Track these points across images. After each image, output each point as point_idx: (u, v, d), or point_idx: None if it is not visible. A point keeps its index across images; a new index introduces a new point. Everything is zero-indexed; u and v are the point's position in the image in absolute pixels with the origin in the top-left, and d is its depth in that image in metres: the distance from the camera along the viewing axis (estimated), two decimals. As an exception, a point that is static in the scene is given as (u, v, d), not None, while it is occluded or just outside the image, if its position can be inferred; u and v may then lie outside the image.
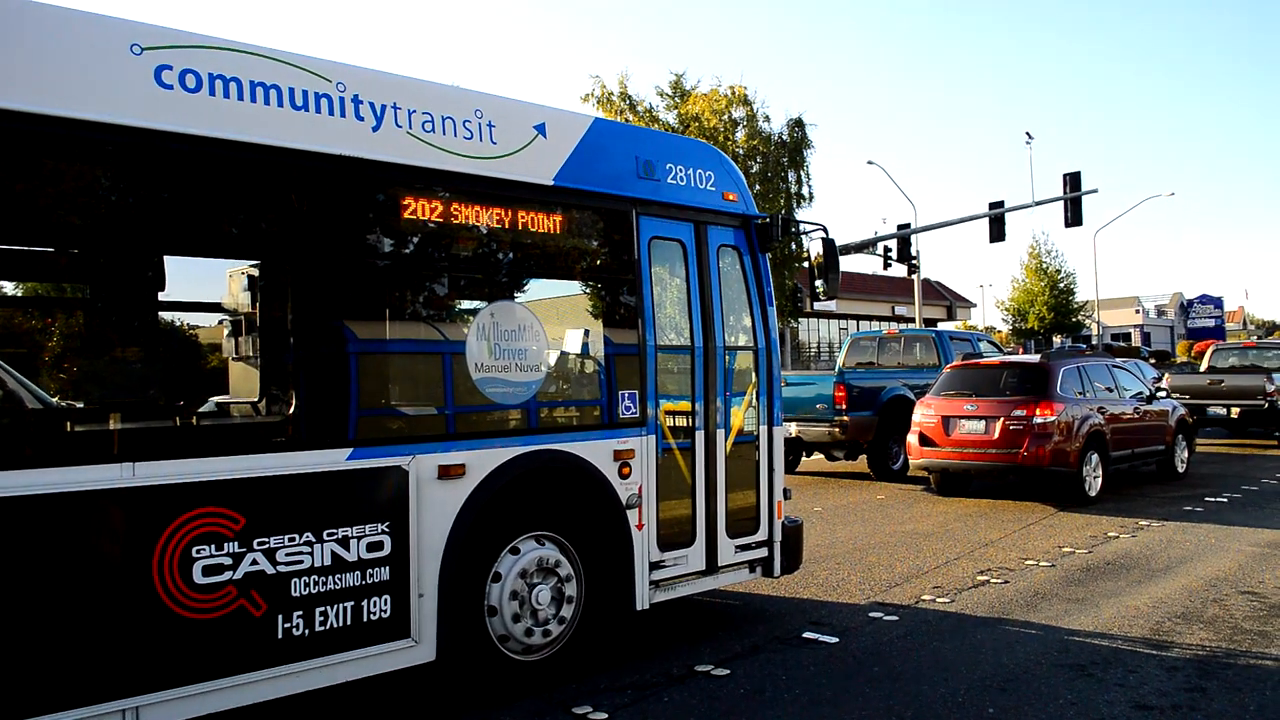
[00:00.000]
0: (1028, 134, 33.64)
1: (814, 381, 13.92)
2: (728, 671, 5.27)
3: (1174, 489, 12.30)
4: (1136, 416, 12.54)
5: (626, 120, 29.58)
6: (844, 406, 13.26)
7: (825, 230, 6.57)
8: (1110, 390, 12.35)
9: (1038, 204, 29.37)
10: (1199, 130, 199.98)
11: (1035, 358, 12.32)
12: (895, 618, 6.37)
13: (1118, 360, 13.95)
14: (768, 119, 32.26)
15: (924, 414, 11.89)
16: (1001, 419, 11.12)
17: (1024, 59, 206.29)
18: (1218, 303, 67.44)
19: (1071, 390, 11.53)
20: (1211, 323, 64.70)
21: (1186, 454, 13.71)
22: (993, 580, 7.39)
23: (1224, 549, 8.46)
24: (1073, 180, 28.05)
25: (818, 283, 6.59)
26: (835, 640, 5.84)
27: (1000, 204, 30.05)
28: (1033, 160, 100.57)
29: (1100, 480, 11.47)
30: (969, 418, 11.42)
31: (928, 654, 5.60)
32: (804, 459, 15.36)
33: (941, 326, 45.82)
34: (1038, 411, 10.94)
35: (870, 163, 36.21)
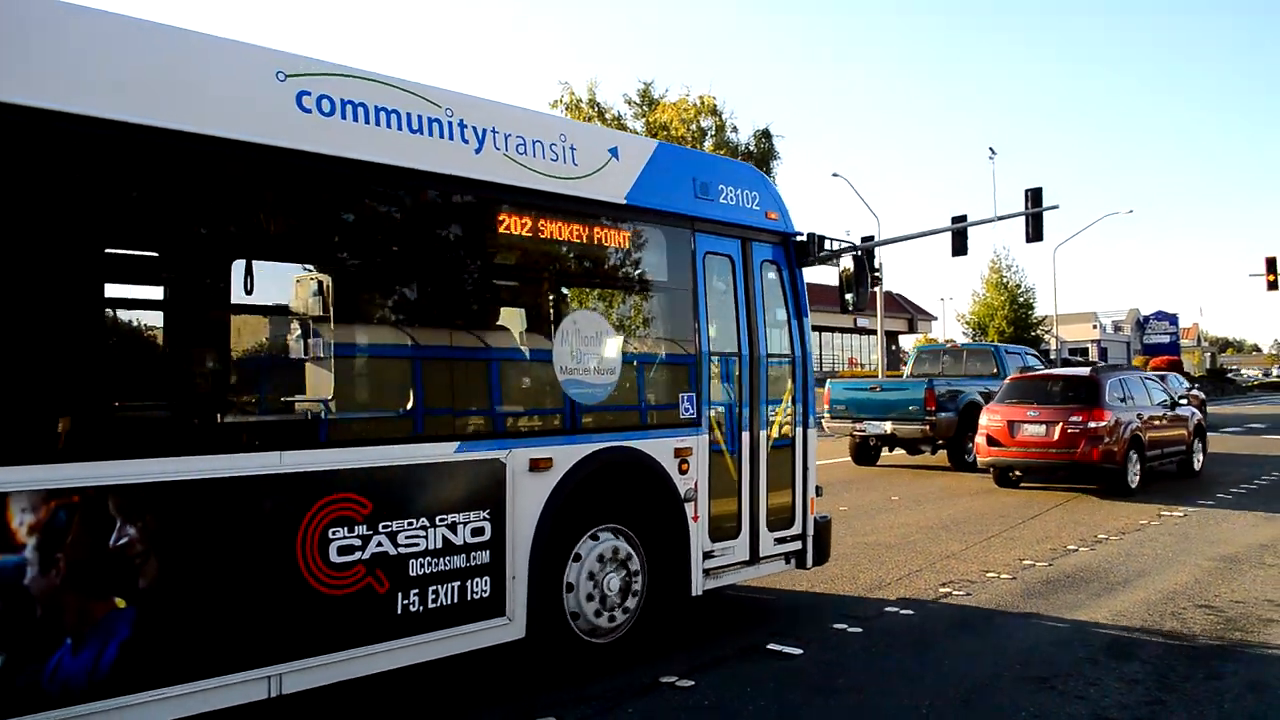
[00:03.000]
0: (991, 149, 34.21)
1: (907, 387, 16.50)
2: (692, 683, 5.26)
3: (1195, 484, 14.27)
4: (1165, 422, 14.52)
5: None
6: (933, 408, 15.81)
7: (855, 248, 7.11)
8: (1144, 399, 14.32)
9: (999, 219, 29.08)
10: (1158, 151, 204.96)
11: (1085, 371, 14.32)
12: (859, 630, 6.35)
13: (1147, 374, 16.18)
14: (735, 129, 32.83)
15: (991, 419, 13.70)
16: (1060, 423, 12.99)
17: (989, 76, 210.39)
18: (1173, 319, 69.36)
19: (1116, 399, 13.48)
20: (1167, 339, 66.49)
21: (1202, 455, 15.77)
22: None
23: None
24: (1034, 196, 28.05)
25: (848, 295, 7.14)
26: (800, 651, 5.83)
27: (963, 218, 30.22)
28: (995, 176, 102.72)
29: (1139, 475, 13.41)
30: (1031, 422, 13.29)
31: (892, 664, 5.65)
32: (885, 453, 17.93)
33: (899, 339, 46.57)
34: (1091, 417, 12.85)
35: (835, 175, 37.01)
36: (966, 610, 6.88)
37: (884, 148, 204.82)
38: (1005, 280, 52.19)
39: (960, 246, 31.15)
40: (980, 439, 13.84)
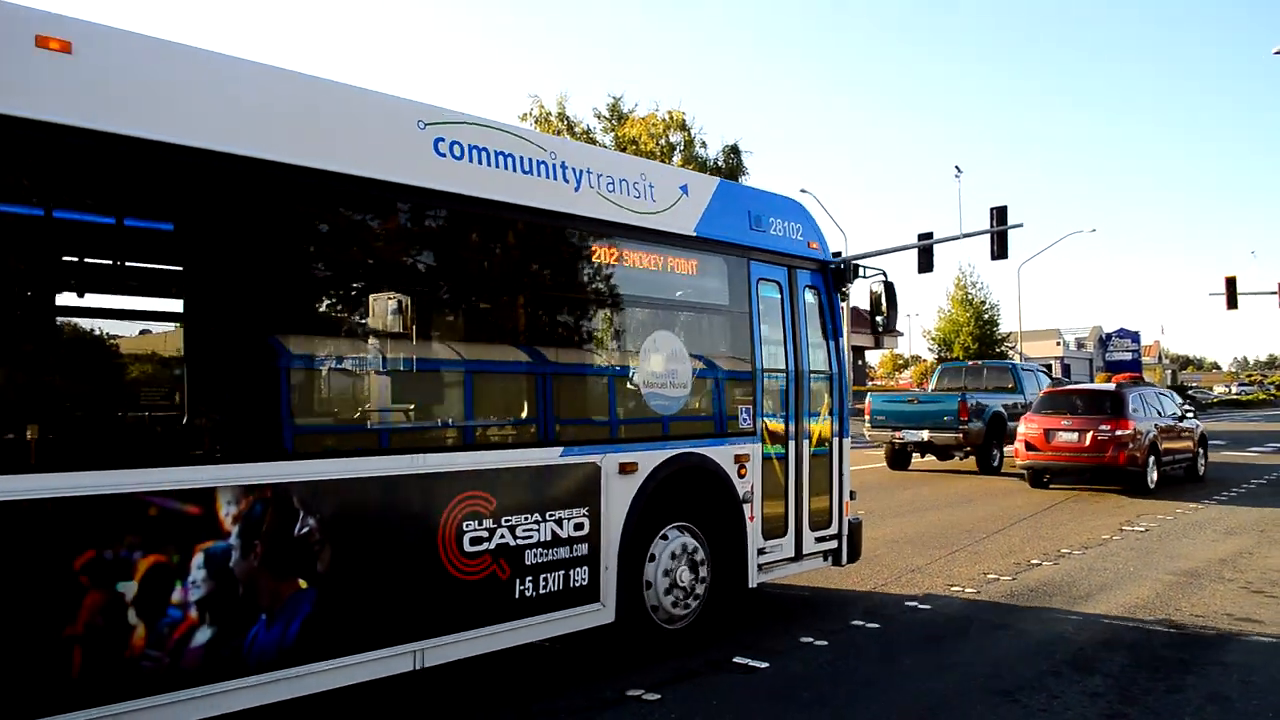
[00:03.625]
0: (957, 168, 34.74)
1: (941, 400, 18.66)
2: (658, 696, 5.28)
3: (1201, 486, 16.23)
4: (1175, 432, 16.49)
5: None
6: (966, 418, 17.92)
7: (885, 274, 7.83)
8: (1159, 412, 16.24)
9: (965, 236, 30.11)
10: (1122, 171, 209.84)
11: (1112, 386, 16.41)
12: (825, 642, 6.39)
13: (1160, 389, 18.07)
14: (704, 145, 33.06)
15: (1029, 427, 15.62)
16: (1091, 431, 14.95)
17: (957, 95, 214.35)
18: (1135, 337, 71.30)
19: (1137, 411, 15.35)
20: (1128, 356, 68.32)
21: (1204, 461, 17.80)
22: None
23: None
24: (999, 214, 28.93)
25: (878, 318, 7.85)
26: (766, 665, 5.88)
27: (929, 235, 30.33)
28: (961, 194, 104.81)
29: (1156, 477, 15.33)
30: (1065, 430, 15.28)
31: (859, 677, 5.71)
32: (915, 459, 19.86)
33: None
34: (1118, 426, 14.83)
35: (804, 191, 37.32)
36: (933, 623, 7.01)
37: (852, 165, 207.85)
38: (970, 297, 53.30)
39: (926, 263, 31.97)
40: (1019, 444, 15.74)
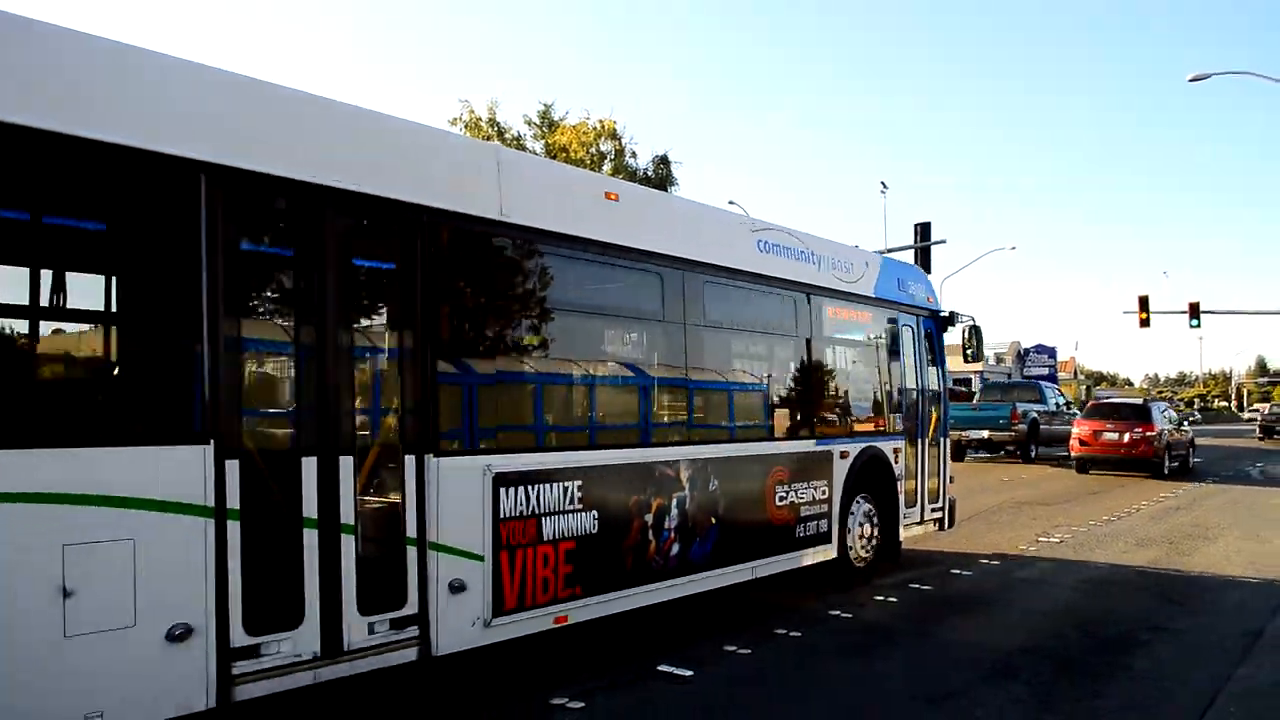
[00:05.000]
0: (883, 184, 35.67)
1: (997, 408, 24.94)
2: (583, 704, 5.39)
3: (1195, 474, 22.29)
4: (1178, 434, 22.85)
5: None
6: (1016, 421, 24.31)
7: (974, 319, 10.90)
8: (1168, 420, 22.34)
9: (890, 251, 30.48)
10: (1041, 189, 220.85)
11: (1140, 401, 23.66)
12: (748, 650, 6.64)
13: (1165, 405, 24.01)
14: (634, 155, 32.58)
15: (1081, 428, 21.96)
16: (1128, 433, 20.93)
17: (885, 111, 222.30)
18: (1051, 352, 76.40)
19: (1157, 419, 21.32)
20: (1045, 370, 73.42)
21: (1193, 457, 24.44)
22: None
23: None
24: (923, 230, 30.23)
25: (969, 350, 10.90)
26: (691, 674, 6.03)
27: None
28: (886, 210, 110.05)
29: (1168, 467, 21.33)
30: (1109, 431, 21.31)
31: (784, 687, 5.93)
32: (967, 456, 25.39)
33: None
34: (1146, 429, 20.92)
35: (732, 203, 37.01)
36: (855, 631, 7.36)
37: (779, 178, 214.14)
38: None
39: (852, 277, 34.95)
40: (1074, 441, 21.91)
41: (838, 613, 7.82)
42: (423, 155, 5.47)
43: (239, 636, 4.38)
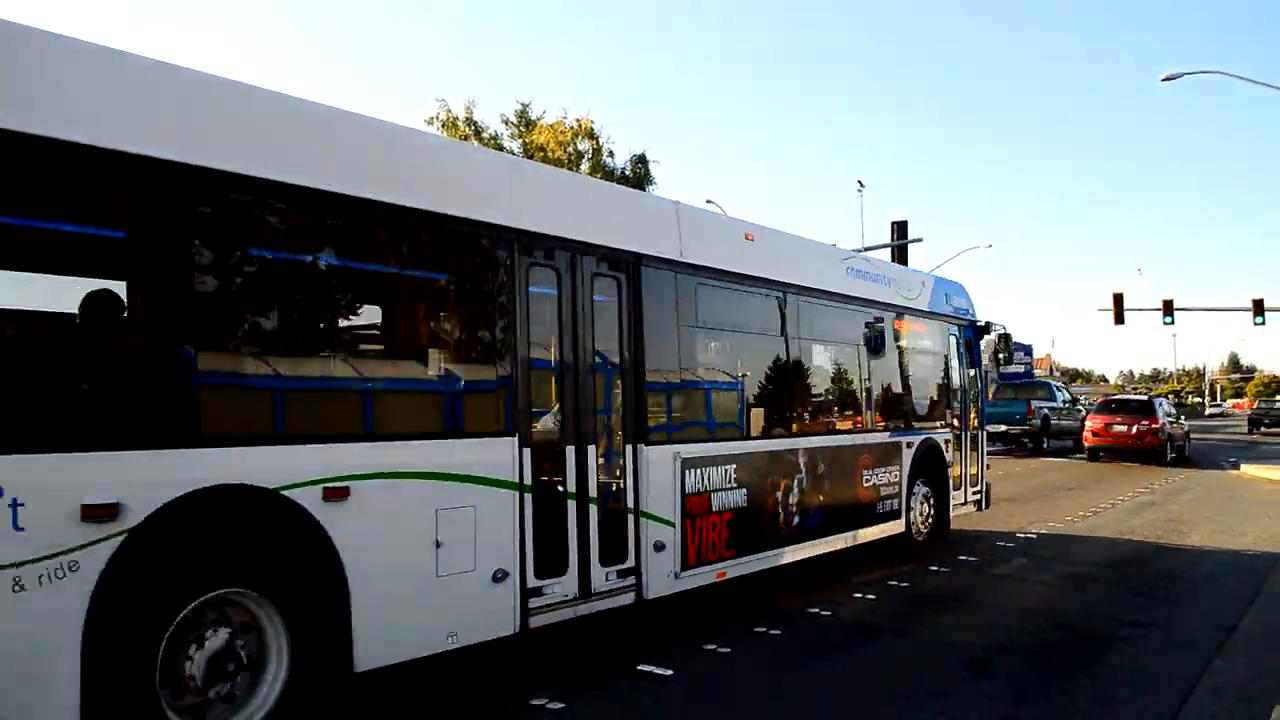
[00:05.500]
0: (859, 182, 37.30)
1: (1013, 405, 27.69)
2: (564, 705, 5.39)
3: (1191, 463, 24.97)
4: (1177, 426, 26.26)
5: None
6: (1031, 416, 27.42)
7: (1005, 327, 12.56)
8: (1168, 414, 25.55)
9: (867, 249, 30.34)
10: (1019, 188, 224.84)
11: (1146, 397, 27.32)
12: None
13: (1168, 397, 25.79)
14: (611, 154, 32.58)
15: (1093, 422, 25.15)
16: (1135, 425, 24.06)
17: (862, 111, 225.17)
18: (1027, 350, 78.43)
19: (1159, 413, 24.59)
20: (1021, 368, 75.76)
21: (1188, 446, 27.40)
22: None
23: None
24: (900, 228, 30.65)
25: (1000, 355, 12.57)
26: (670, 673, 6.01)
27: (832, 247, 33.22)
28: (864, 208, 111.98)
29: (1170, 454, 24.47)
30: (1118, 423, 24.46)
31: (762, 684, 5.97)
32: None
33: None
34: (1151, 422, 24.13)
35: (709, 201, 35.44)
36: (833, 629, 7.39)
37: (757, 177, 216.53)
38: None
39: (830, 276, 36.17)
40: (1087, 432, 25.15)
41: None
42: (631, 211, 7.06)
43: (531, 580, 5.90)
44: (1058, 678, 6.05)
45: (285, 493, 4.64)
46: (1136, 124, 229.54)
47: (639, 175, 32.93)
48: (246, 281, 4.81)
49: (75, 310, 4.36)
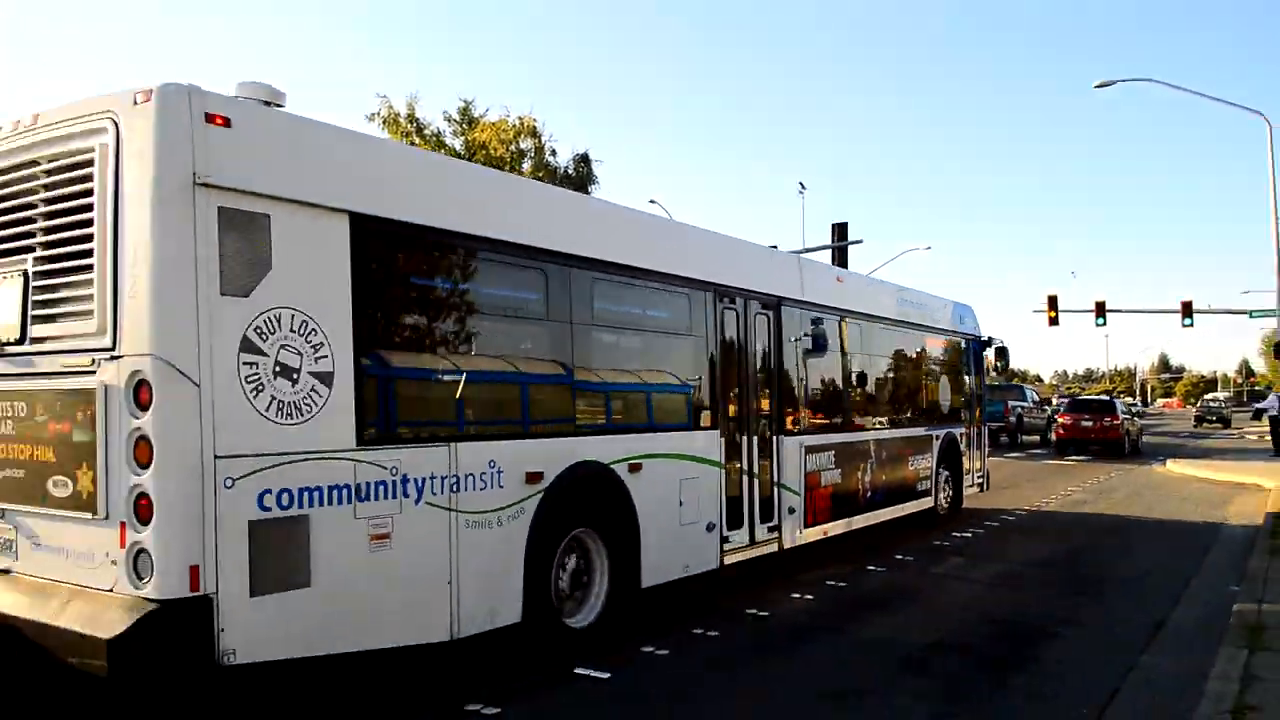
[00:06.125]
0: (800, 184, 37.38)
1: (994, 405, 28.32)
2: (498, 710, 5.36)
3: (1146, 454, 29.01)
4: (1133, 424, 30.84)
5: (413, 143, 28.06)
6: (1008, 414, 31.50)
7: (1002, 341, 15.38)
8: (1125, 411, 30.39)
9: (807, 250, 30.58)
10: (956, 189, 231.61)
11: (1107, 397, 34.35)
12: (666, 651, 6.70)
13: (1125, 397, 30.51)
14: (554, 153, 32.02)
15: (1063, 420, 29.44)
16: (1099, 421, 28.47)
17: (800, 115, 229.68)
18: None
19: (1120, 410, 29.56)
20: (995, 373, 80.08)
21: (1141, 440, 32.45)
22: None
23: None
24: (840, 230, 30.74)
25: (999, 364, 15.38)
26: (608, 676, 6.09)
27: (773, 248, 32.78)
28: (805, 210, 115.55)
29: (1129, 446, 28.98)
30: (1084, 419, 28.89)
31: (699, 685, 6.09)
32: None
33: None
34: (1113, 419, 28.58)
35: (652, 201, 33.50)
36: (769, 630, 7.56)
37: (699, 178, 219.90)
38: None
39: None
40: (1057, 428, 29.50)
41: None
42: (774, 264, 9.61)
43: (724, 530, 8.39)
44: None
45: (612, 466, 7.08)
46: (1069, 130, 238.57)
47: (581, 175, 32.23)
48: (610, 336, 7.58)
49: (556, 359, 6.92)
